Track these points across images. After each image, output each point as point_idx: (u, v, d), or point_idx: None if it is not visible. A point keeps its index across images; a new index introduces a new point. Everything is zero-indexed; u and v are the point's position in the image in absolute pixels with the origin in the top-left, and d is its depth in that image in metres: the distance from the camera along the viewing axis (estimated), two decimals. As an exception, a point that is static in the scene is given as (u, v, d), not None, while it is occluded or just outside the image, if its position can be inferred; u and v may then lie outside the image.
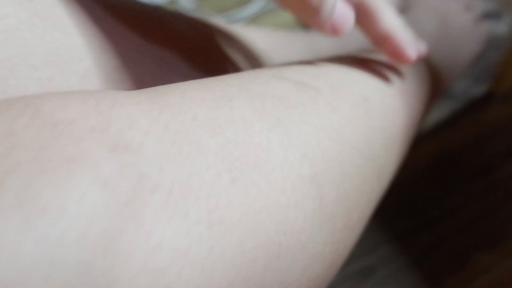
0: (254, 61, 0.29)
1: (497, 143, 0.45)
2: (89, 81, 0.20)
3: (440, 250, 0.41)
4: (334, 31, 0.21)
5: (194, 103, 0.16)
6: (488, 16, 0.49)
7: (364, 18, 0.24)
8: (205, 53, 0.27)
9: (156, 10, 0.25)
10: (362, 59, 0.26)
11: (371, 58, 0.27)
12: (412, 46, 0.25)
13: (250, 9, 0.55)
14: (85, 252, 0.11)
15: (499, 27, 0.50)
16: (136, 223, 0.12)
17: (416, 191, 0.44)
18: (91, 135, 0.12)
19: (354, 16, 0.22)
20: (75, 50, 0.20)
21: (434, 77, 0.37)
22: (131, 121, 0.13)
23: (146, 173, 0.12)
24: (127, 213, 0.12)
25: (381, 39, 0.24)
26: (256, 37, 0.33)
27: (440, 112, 0.47)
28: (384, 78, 0.25)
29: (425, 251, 0.41)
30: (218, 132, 0.15)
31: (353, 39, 0.48)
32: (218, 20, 0.30)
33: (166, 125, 0.14)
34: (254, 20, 0.55)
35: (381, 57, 0.28)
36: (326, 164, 0.18)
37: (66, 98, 0.13)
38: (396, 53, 0.24)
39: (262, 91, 0.18)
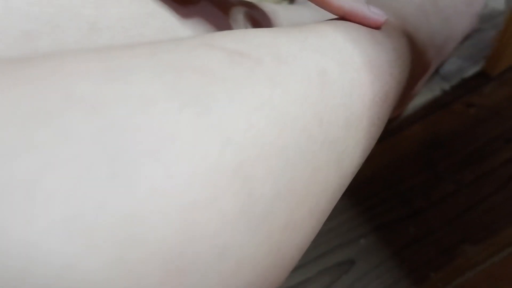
0: None
1: (491, 128, 0.42)
2: None
3: (426, 242, 0.39)
4: None
5: (72, 77, 0.12)
6: (485, -11, 0.46)
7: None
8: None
9: None
10: (328, 25, 0.23)
11: (341, 23, 0.24)
12: (373, 15, 0.25)
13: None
14: None
15: (496, 2, 0.47)
16: None
17: (402, 179, 0.41)
18: None
19: None
20: None
21: (419, 53, 0.34)
22: None
23: None
24: None
25: (340, 16, 0.25)
26: (239, 8, 0.29)
27: (431, 93, 0.44)
28: (350, 46, 0.22)
29: (409, 244, 0.39)
30: (98, 114, 0.12)
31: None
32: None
33: (17, 105, 0.11)
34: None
35: (352, 23, 0.25)
36: (259, 151, 0.15)
37: None
38: (361, 23, 0.25)
39: (179, 62, 0.15)
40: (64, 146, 0.11)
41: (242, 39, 0.18)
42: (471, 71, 0.45)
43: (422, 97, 0.44)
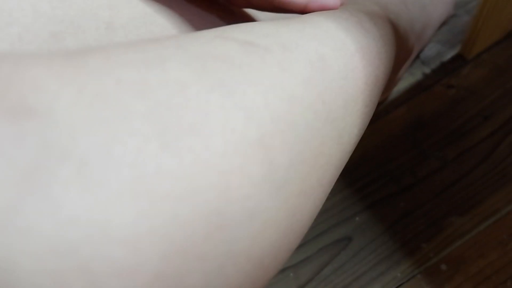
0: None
1: (470, 107, 0.45)
2: (22, 47, 0.19)
3: (416, 216, 0.41)
4: None
5: (119, 65, 0.14)
6: (458, -22, 0.48)
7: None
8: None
9: None
10: (320, 16, 0.25)
11: (332, 14, 0.26)
12: None
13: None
14: None
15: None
16: (40, 195, 0.10)
17: (390, 158, 0.44)
18: None
19: None
20: (1, 15, 0.18)
21: (402, 40, 0.36)
22: (37, 84, 0.12)
23: (54, 141, 0.11)
24: (27, 185, 0.10)
25: (301, 9, 0.24)
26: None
27: (413, 77, 0.47)
28: (343, 35, 0.24)
29: (401, 218, 0.41)
30: (147, 95, 0.14)
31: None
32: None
33: (81, 89, 0.13)
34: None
35: (343, 14, 0.27)
36: (275, 126, 0.17)
37: None
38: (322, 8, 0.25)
39: (202, 52, 0.17)
40: (125, 122, 0.13)
41: (250, 30, 0.20)
42: (449, 55, 0.48)
43: (405, 81, 0.47)
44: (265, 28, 0.21)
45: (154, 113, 0.14)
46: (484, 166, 0.42)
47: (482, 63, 0.47)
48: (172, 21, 0.26)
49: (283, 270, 0.40)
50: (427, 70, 0.47)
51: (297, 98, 0.19)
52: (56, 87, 0.12)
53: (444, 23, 0.48)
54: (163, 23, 0.26)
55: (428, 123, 0.45)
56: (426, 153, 0.43)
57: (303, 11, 0.24)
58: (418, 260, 0.39)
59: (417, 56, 0.48)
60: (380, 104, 0.46)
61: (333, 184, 0.23)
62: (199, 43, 0.18)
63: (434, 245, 0.40)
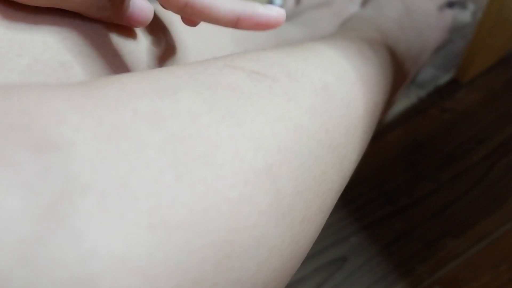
0: (216, 51, 0.28)
1: (465, 130, 0.46)
2: (32, 78, 0.19)
3: (411, 237, 0.42)
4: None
5: (134, 96, 0.15)
6: (453, 4, 0.50)
7: (204, 16, 0.20)
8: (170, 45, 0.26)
9: None
10: (323, 44, 0.26)
11: (334, 42, 0.27)
12: (271, 12, 0.21)
13: None
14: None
15: (463, 15, 0.51)
16: (63, 228, 0.11)
17: (386, 179, 0.44)
18: (11, 134, 0.11)
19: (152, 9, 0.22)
20: (11, 46, 0.19)
21: (399, 65, 0.37)
22: (60, 118, 0.13)
23: (76, 174, 0.12)
24: (52, 218, 0.11)
25: (233, 23, 0.21)
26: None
27: (408, 100, 0.48)
28: (345, 63, 0.25)
29: (396, 240, 0.42)
30: (161, 127, 0.14)
31: (323, 27, 0.47)
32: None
33: (101, 121, 0.13)
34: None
35: (344, 41, 0.27)
36: (282, 156, 0.17)
37: None
38: (259, 24, 0.21)
39: (212, 81, 0.17)
40: (141, 153, 0.13)
41: (257, 59, 0.21)
42: (444, 79, 0.49)
43: (400, 104, 0.47)
44: (271, 57, 0.22)
45: (168, 144, 0.14)
46: (478, 188, 0.43)
47: (476, 87, 0.48)
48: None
49: (278, 290, 0.40)
50: (422, 93, 0.48)
51: (303, 127, 0.19)
52: (77, 120, 0.13)
53: (439, 48, 0.49)
54: (146, 47, 0.25)
55: (423, 145, 0.46)
56: (421, 175, 0.44)
57: (234, 26, 0.21)
58: (413, 281, 0.40)
59: (413, 80, 0.49)
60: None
61: (331, 209, 0.24)
62: (209, 73, 0.18)
63: (429, 267, 0.40)
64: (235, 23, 0.21)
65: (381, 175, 0.45)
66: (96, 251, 0.11)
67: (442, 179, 0.44)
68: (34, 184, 0.11)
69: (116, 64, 0.23)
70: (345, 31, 0.36)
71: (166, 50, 0.26)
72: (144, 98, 0.15)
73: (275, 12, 0.21)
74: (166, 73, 0.17)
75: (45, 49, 0.20)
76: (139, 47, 0.24)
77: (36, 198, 0.11)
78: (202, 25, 0.25)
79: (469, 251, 0.40)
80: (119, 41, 0.23)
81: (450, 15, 0.49)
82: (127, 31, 0.24)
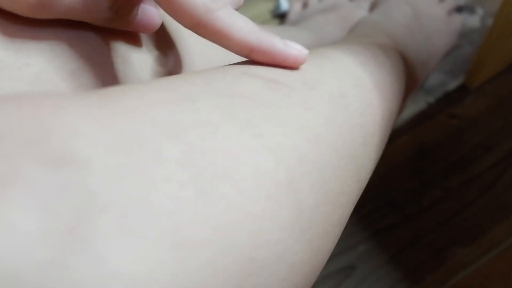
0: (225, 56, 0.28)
1: (473, 137, 0.45)
2: (40, 87, 0.18)
3: (419, 246, 0.41)
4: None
5: (153, 106, 0.14)
6: (461, 9, 0.49)
7: (216, 39, 0.19)
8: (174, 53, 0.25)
9: None
10: (337, 50, 0.25)
11: (347, 48, 0.26)
12: (290, 49, 0.20)
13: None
14: None
15: (472, 20, 0.50)
16: (83, 250, 0.10)
17: (394, 187, 0.44)
18: (26, 149, 0.11)
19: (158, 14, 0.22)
20: (19, 56, 0.18)
21: (409, 71, 0.37)
22: (76, 130, 0.12)
23: (94, 191, 0.11)
24: (72, 240, 0.10)
25: (246, 53, 0.20)
26: None
27: (417, 106, 0.47)
28: (361, 70, 0.24)
29: (404, 248, 0.41)
30: (181, 138, 0.14)
31: (331, 32, 0.47)
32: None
33: (119, 133, 0.13)
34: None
35: (358, 47, 0.27)
36: (303, 168, 0.17)
37: None
38: (275, 61, 0.20)
39: (230, 90, 0.17)
40: (161, 167, 0.12)
41: (273, 67, 0.20)
42: (453, 84, 0.48)
43: (409, 110, 0.47)
44: None
45: (188, 157, 0.13)
46: (487, 196, 0.42)
47: (485, 93, 0.47)
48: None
49: (286, 299, 0.39)
50: (431, 99, 0.47)
51: (322, 138, 0.18)
52: (94, 132, 0.12)
53: (448, 53, 0.49)
54: (156, 55, 0.25)
55: (431, 152, 0.45)
56: (429, 182, 0.44)
57: (247, 57, 0.20)
58: (422, 291, 0.39)
59: (421, 85, 0.48)
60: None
61: (348, 219, 0.23)
62: (226, 81, 0.17)
63: (438, 276, 0.40)
64: (248, 54, 0.20)
65: (389, 182, 0.44)
66: (118, 274, 0.10)
67: (451, 187, 0.43)
68: (52, 203, 0.10)
69: (125, 71, 0.22)
70: (355, 36, 0.35)
71: (173, 56, 0.25)
72: (162, 107, 0.14)
73: (296, 50, 0.20)
74: (184, 81, 0.16)
75: (53, 58, 0.19)
76: (147, 53, 0.24)
77: (54, 219, 0.10)
78: None
79: (479, 261, 0.40)
80: (127, 48, 0.23)
81: (459, 20, 0.48)
82: (134, 37, 0.23)
